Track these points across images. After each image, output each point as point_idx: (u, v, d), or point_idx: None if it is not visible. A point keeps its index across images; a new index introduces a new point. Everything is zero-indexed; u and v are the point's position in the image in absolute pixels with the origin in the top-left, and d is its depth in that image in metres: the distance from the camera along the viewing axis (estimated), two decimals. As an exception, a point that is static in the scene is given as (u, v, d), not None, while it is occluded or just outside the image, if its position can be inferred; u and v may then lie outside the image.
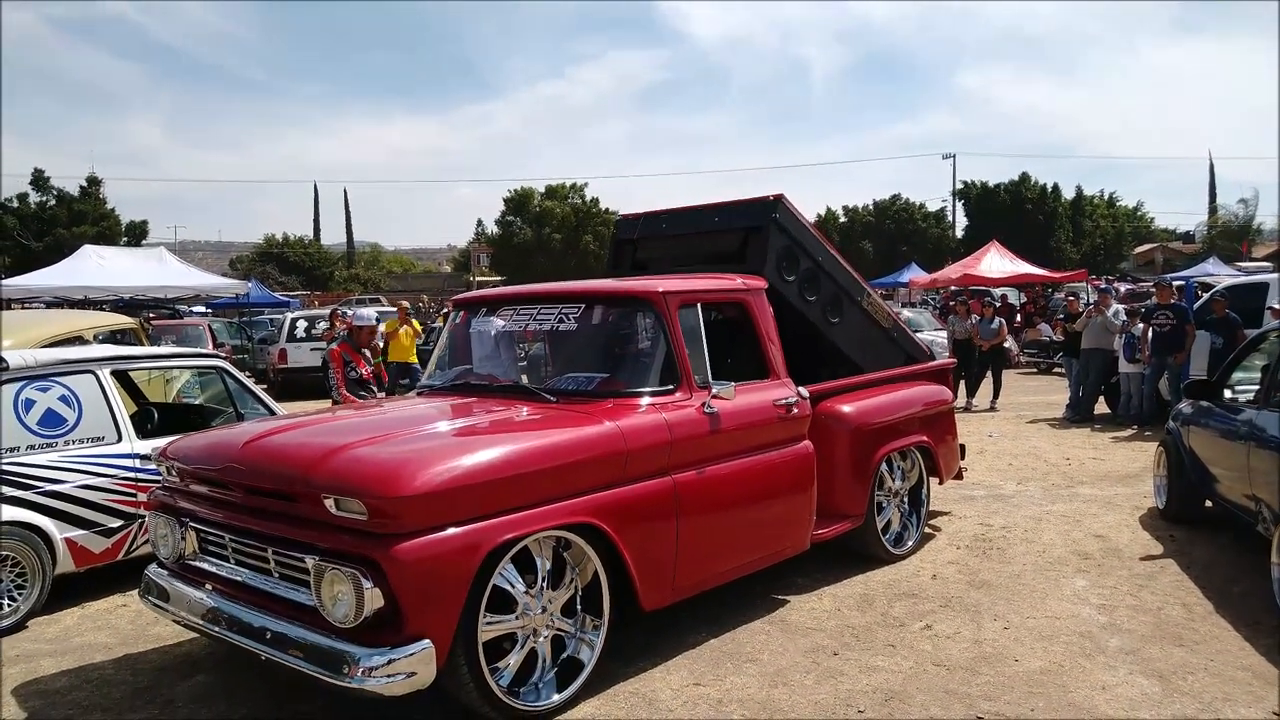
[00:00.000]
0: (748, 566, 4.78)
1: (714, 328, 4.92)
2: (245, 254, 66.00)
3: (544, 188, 50.56)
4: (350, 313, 8.72)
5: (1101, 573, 5.51)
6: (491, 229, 57.07)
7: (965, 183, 51.72)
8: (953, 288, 23.55)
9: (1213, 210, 61.15)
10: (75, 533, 5.35)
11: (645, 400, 4.38)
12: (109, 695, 4.17)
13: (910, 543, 5.99)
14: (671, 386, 4.49)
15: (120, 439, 5.62)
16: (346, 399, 6.69)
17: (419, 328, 13.79)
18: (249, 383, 6.42)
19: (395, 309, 14.81)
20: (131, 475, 5.58)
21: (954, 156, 50.02)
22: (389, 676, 3.31)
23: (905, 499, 6.04)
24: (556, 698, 3.85)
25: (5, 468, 5.14)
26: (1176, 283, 13.20)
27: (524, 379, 4.91)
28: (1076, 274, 24.78)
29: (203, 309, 25.92)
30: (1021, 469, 8.76)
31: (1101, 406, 12.27)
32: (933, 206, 51.39)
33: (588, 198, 50.01)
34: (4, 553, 5.04)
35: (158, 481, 5.56)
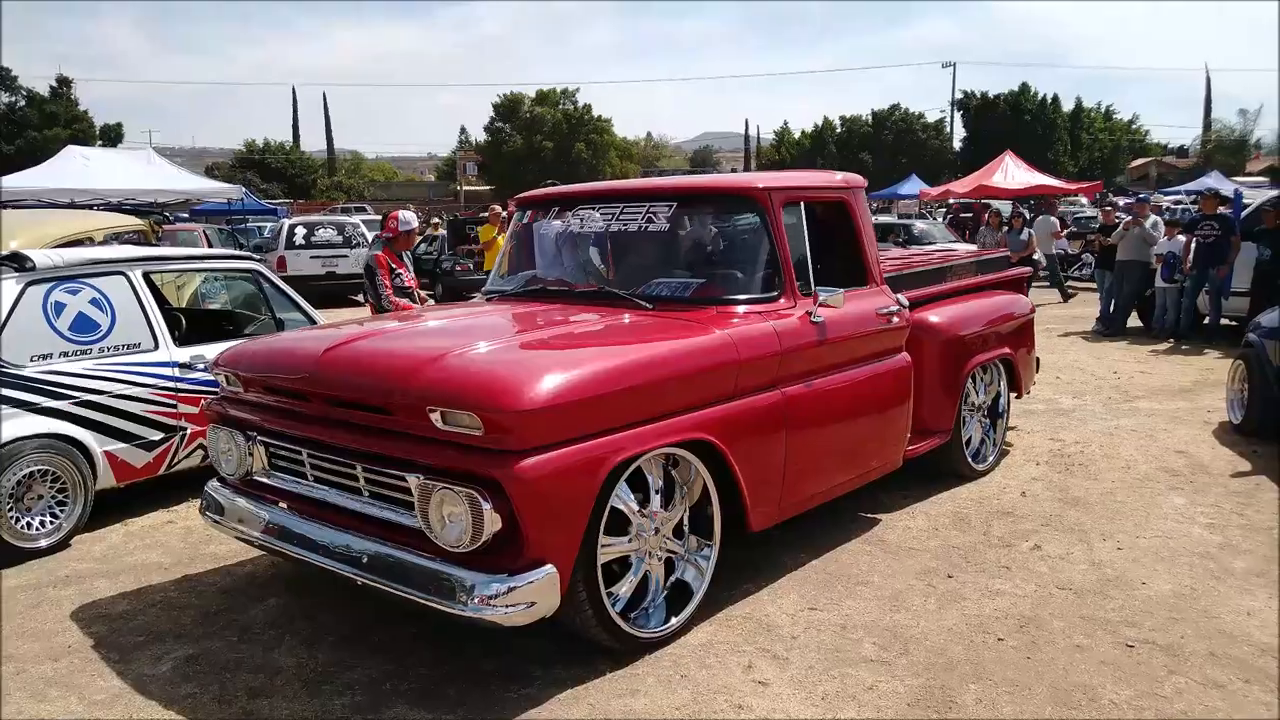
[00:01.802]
0: (849, 484, 4.50)
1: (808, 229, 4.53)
2: (222, 160, 64.08)
3: (534, 93, 49.07)
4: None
5: (1196, 490, 5.28)
6: (477, 136, 55.67)
7: (965, 93, 50.69)
8: (962, 200, 23.04)
9: (1207, 125, 60.51)
10: (115, 446, 4.99)
11: (750, 308, 4.02)
12: (178, 620, 3.87)
13: (990, 458, 5.74)
14: (775, 293, 4.13)
15: (157, 346, 5.22)
16: (398, 305, 6.27)
17: None
18: (288, 288, 6.00)
19: (487, 214, 14.02)
20: (171, 385, 5.21)
21: (954, 66, 48.93)
22: (509, 606, 3.02)
23: (985, 413, 5.76)
24: (674, 621, 3.59)
25: (39, 376, 4.74)
26: (1225, 193, 12.72)
27: (607, 285, 4.51)
28: (1093, 185, 24.26)
29: (186, 215, 25.14)
30: (1072, 383, 8.51)
31: (1133, 320, 12.02)
32: (932, 117, 50.40)
33: (579, 104, 48.56)
34: (42, 467, 4.69)
35: (199, 392, 5.27)
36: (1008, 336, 5.81)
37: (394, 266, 6.50)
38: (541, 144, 46.74)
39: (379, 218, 27.14)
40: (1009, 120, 48.15)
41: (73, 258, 5.10)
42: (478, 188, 59.09)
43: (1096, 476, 5.56)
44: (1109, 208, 13.66)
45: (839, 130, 50.11)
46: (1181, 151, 62.22)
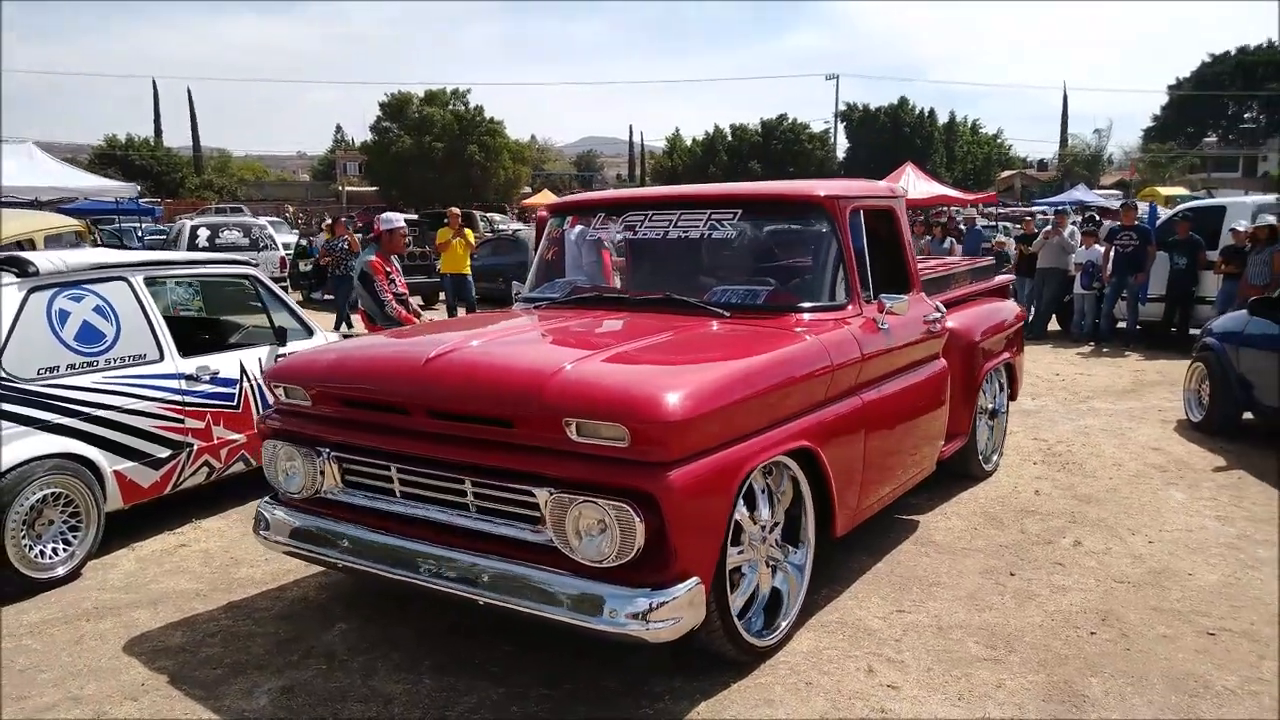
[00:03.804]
0: (903, 488, 4.60)
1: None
2: (74, 157, 60.21)
3: (423, 93, 47.98)
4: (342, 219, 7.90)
5: (1189, 484, 5.64)
6: (355, 136, 54.16)
7: (849, 105, 52.50)
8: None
9: (1064, 141, 64.56)
10: (124, 464, 4.66)
11: (823, 315, 4.07)
12: (249, 650, 3.63)
13: (996, 459, 5.98)
14: (846, 300, 4.20)
15: (162, 357, 4.89)
16: (402, 315, 6.04)
17: (473, 238, 12.83)
18: (284, 294, 5.70)
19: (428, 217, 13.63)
20: (178, 398, 4.89)
21: (837, 78, 50.56)
22: (659, 621, 2.96)
23: (989, 416, 5.99)
24: (783, 627, 3.60)
25: (48, 391, 4.37)
26: (1141, 206, 13.56)
27: (674, 292, 4.46)
28: (988, 196, 25.54)
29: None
30: (1023, 385, 8.91)
31: (1050, 324, 12.70)
32: (817, 128, 51.92)
33: (471, 105, 47.80)
34: (55, 490, 4.32)
35: (205, 406, 4.97)
36: (1008, 342, 6.06)
37: (389, 272, 6.27)
38: (431, 145, 45.75)
39: (275, 219, 26.08)
40: (889, 132, 50.13)
41: (75, 261, 4.72)
42: (360, 188, 57.44)
43: (1094, 474, 5.87)
44: (1029, 218, 14.40)
45: (729, 139, 51.06)
46: (1043, 165, 66.18)
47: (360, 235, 13.31)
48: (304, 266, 17.93)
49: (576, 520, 3.02)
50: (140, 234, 25.20)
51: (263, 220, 18.78)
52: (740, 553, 3.45)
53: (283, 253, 17.27)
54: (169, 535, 4.95)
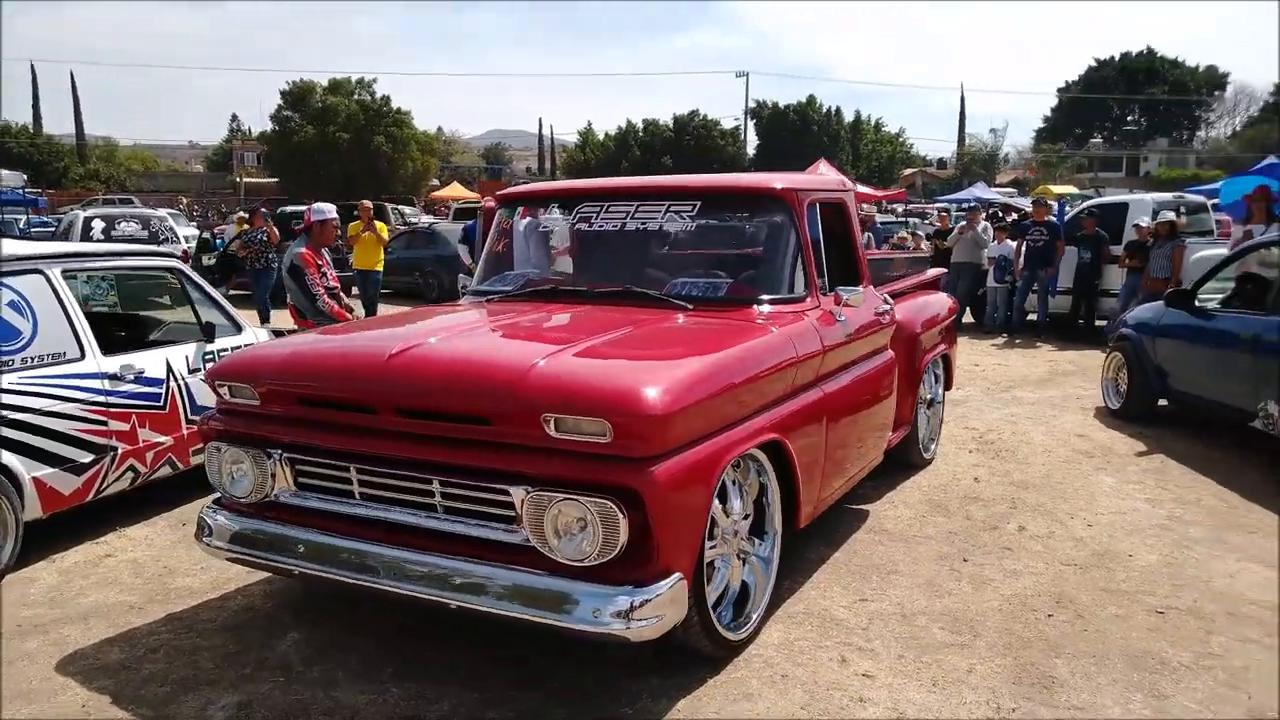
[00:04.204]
0: (856, 478, 4.65)
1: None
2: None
3: (327, 81, 46.60)
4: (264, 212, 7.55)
5: (1116, 469, 5.86)
6: (251, 125, 52.27)
7: (758, 102, 53.18)
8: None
9: (962, 140, 66.86)
10: (44, 471, 4.36)
11: (783, 308, 4.07)
12: (197, 665, 3.43)
13: (934, 447, 6.11)
14: (804, 293, 4.21)
15: (83, 355, 4.59)
16: (334, 310, 5.81)
17: (385, 231, 12.33)
18: (209, 287, 5.42)
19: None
20: (101, 399, 4.61)
21: (747, 75, 51.18)
22: (642, 620, 2.90)
23: (927, 405, 6.12)
24: (755, 618, 3.58)
25: (-41, 392, 4.05)
26: (1050, 203, 13.90)
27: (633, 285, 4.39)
28: (898, 193, 26.19)
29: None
30: (947, 375, 9.16)
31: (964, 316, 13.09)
32: (728, 125, 52.45)
33: (377, 95, 46.56)
34: (-31, 499, 4.02)
35: (130, 407, 4.71)
36: (944, 333, 6.19)
37: (320, 264, 6.03)
38: (336, 135, 44.46)
39: (171, 211, 24.98)
40: (798, 130, 50.98)
41: (-16, 253, 4.39)
42: (259, 179, 55.49)
43: (1027, 461, 6.05)
44: (944, 214, 14.81)
45: (641, 134, 51.14)
46: (942, 163, 68.36)
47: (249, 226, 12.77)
48: (207, 260, 17.22)
49: (555, 519, 2.94)
50: (22, 227, 23.81)
51: (162, 212, 17.90)
52: (714, 547, 3.42)
53: (184, 245, 16.55)
54: (92, 545, 4.65)
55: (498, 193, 5.39)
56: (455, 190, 43.22)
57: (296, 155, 45.61)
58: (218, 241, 16.96)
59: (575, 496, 2.89)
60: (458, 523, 3.18)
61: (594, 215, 4.53)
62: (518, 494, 2.99)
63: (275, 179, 50.90)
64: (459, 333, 3.66)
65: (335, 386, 3.36)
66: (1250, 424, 5.72)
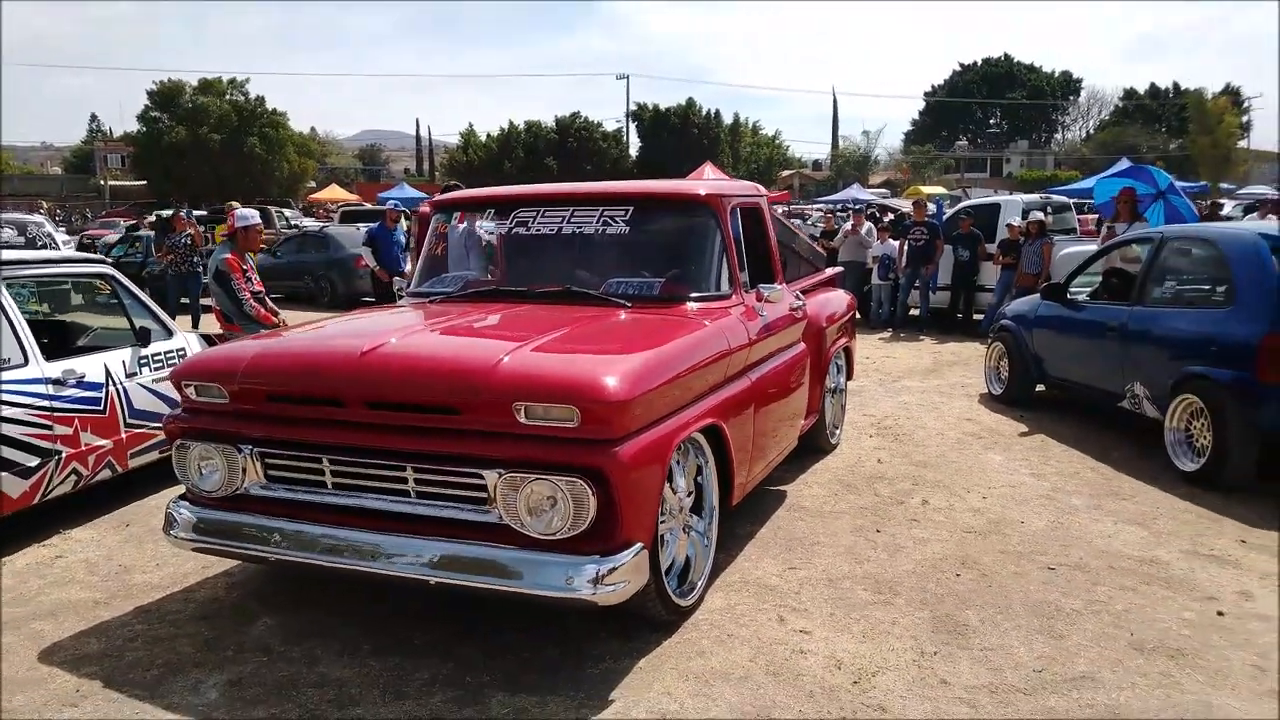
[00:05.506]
0: (777, 460, 5.03)
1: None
2: None
3: (197, 81, 44.90)
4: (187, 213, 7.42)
5: (1003, 448, 6.46)
6: (112, 126, 49.87)
7: (639, 105, 53.86)
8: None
9: (835, 143, 69.34)
10: (-14, 475, 4.33)
11: (712, 304, 4.42)
12: (178, 650, 3.54)
13: (839, 433, 6.59)
14: (729, 290, 4.57)
15: (27, 361, 4.58)
16: (261, 314, 5.86)
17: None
18: (140, 293, 5.41)
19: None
20: (45, 404, 4.60)
21: (627, 78, 51.77)
22: (610, 586, 3.19)
23: (833, 395, 6.59)
24: (700, 585, 3.91)
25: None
26: (930, 204, 14.76)
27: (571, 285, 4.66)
28: (782, 195, 27.09)
29: None
30: (842, 368, 9.74)
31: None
32: (610, 127, 52.96)
33: (251, 95, 45.13)
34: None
35: (73, 411, 4.72)
36: (845, 328, 6.69)
37: (245, 269, 6.08)
38: (207, 136, 42.91)
39: (36, 216, 23.79)
40: (680, 132, 51.88)
41: (-86, 258, 4.33)
42: (126, 182, 52.98)
43: (923, 444, 6.60)
44: (830, 215, 15.54)
45: (524, 136, 51.10)
46: (818, 165, 70.68)
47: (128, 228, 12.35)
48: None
49: (528, 498, 3.20)
50: None
51: (38, 217, 17.08)
52: (664, 522, 3.73)
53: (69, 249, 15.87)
54: (38, 548, 4.64)
55: (434, 198, 5.57)
56: (335, 192, 42.27)
57: (167, 157, 43.79)
58: (118, 249, 16.37)
59: (546, 477, 3.16)
60: (431, 506, 3.41)
61: (531, 220, 4.78)
62: (490, 477, 3.24)
63: (143, 181, 48.75)
64: (419, 331, 3.87)
65: (309, 383, 3.53)
66: (1119, 404, 6.40)
